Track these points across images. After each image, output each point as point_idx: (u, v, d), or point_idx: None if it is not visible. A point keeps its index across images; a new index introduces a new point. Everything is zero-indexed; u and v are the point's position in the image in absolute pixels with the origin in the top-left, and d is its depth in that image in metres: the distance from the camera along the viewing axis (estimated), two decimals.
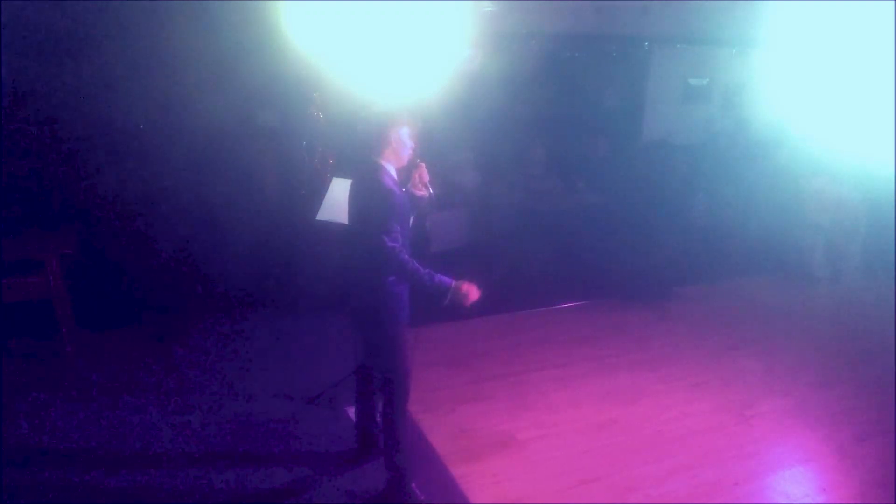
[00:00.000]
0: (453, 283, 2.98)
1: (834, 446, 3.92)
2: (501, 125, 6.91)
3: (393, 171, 3.10)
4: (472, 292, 2.99)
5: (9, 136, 4.78)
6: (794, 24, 7.25)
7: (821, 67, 7.33)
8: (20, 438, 3.75)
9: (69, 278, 4.48)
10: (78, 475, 3.45)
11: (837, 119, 6.99)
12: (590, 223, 7.13)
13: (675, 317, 5.81)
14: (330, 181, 4.27)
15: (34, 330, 4.74)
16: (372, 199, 2.99)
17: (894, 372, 4.70)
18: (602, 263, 6.55)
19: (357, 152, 3.32)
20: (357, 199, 3.11)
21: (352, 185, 3.19)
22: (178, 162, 5.20)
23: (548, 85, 7.36)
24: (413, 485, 3.34)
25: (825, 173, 6.73)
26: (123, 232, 5.20)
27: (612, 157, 7.85)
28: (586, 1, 7.06)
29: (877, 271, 6.75)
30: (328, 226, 4.08)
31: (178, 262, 5.34)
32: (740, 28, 7.78)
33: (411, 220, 3.28)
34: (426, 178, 3.26)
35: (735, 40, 8.06)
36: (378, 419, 3.59)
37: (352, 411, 3.91)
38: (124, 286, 5.21)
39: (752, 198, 7.61)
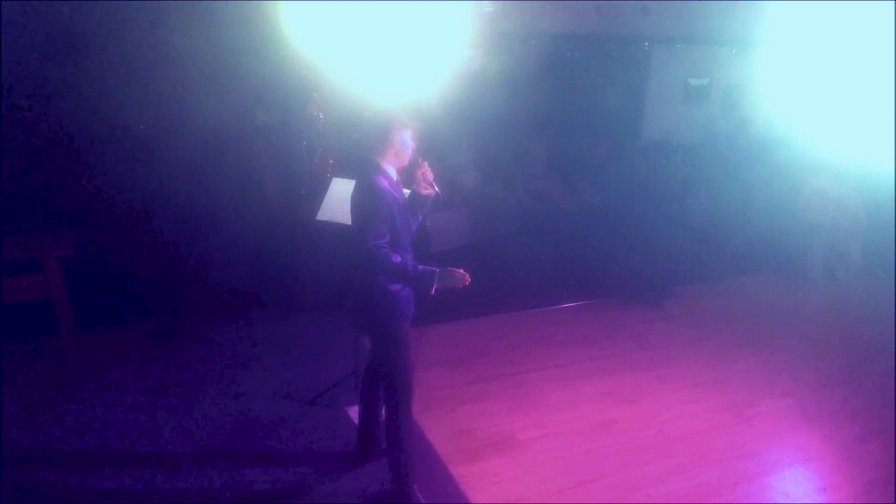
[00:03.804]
0: (439, 269, 3.00)
1: (834, 446, 3.93)
2: (502, 125, 6.91)
3: (393, 172, 3.11)
4: (463, 275, 3.00)
5: (8, 136, 4.78)
6: (794, 24, 7.26)
7: (821, 67, 7.34)
8: (20, 438, 3.75)
9: (69, 278, 4.48)
10: (78, 475, 3.45)
11: (837, 119, 7.00)
12: (590, 223, 7.13)
13: (675, 317, 5.81)
14: (330, 181, 4.27)
15: (34, 330, 4.73)
16: (363, 198, 3.01)
17: (894, 372, 4.71)
18: (602, 263, 6.54)
19: (358, 152, 3.32)
20: (353, 199, 3.12)
21: (355, 184, 3.20)
22: (178, 162, 5.19)
23: (548, 85, 7.37)
24: (413, 485, 3.34)
25: (825, 173, 6.73)
26: (123, 232, 5.19)
27: (612, 157, 7.85)
28: (586, 1, 7.06)
29: (877, 271, 6.75)
30: (328, 226, 4.08)
31: (178, 261, 5.34)
32: (740, 28, 7.78)
33: (420, 219, 3.28)
34: (430, 176, 3.25)
35: (735, 40, 8.07)
36: (380, 420, 3.59)
37: (352, 411, 3.91)
38: (124, 286, 5.20)
39: (752, 198, 7.61)
